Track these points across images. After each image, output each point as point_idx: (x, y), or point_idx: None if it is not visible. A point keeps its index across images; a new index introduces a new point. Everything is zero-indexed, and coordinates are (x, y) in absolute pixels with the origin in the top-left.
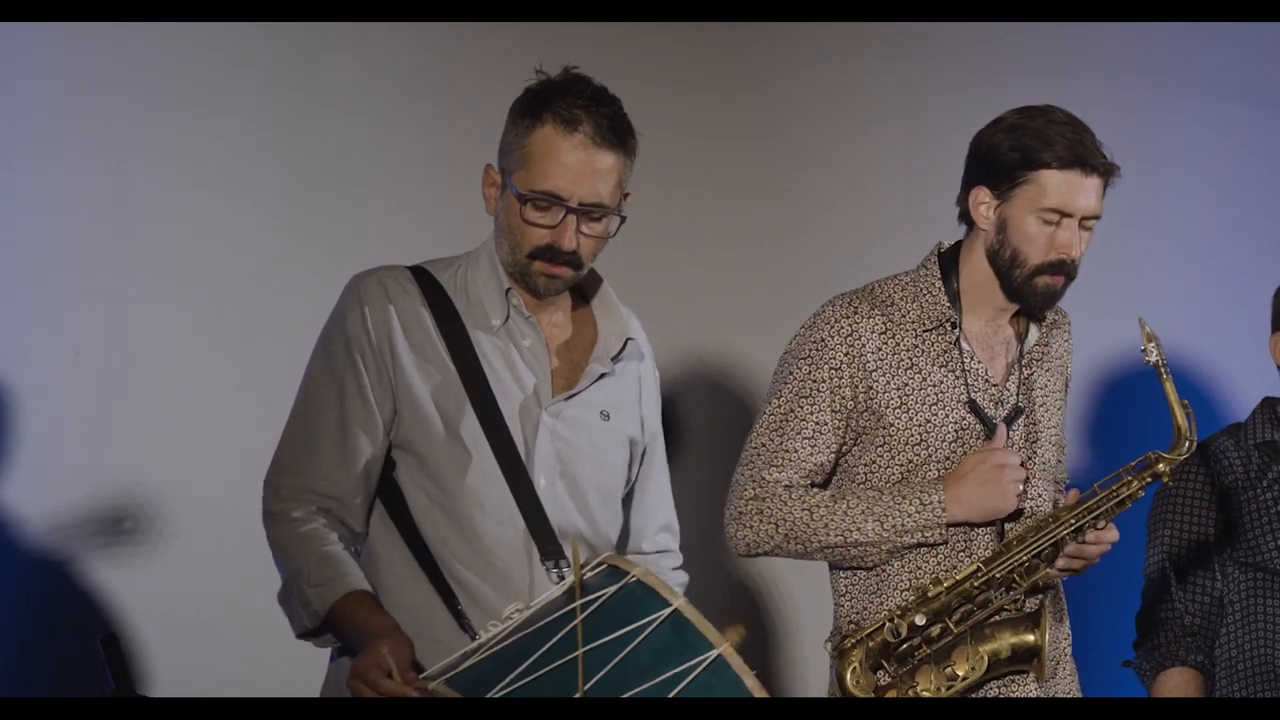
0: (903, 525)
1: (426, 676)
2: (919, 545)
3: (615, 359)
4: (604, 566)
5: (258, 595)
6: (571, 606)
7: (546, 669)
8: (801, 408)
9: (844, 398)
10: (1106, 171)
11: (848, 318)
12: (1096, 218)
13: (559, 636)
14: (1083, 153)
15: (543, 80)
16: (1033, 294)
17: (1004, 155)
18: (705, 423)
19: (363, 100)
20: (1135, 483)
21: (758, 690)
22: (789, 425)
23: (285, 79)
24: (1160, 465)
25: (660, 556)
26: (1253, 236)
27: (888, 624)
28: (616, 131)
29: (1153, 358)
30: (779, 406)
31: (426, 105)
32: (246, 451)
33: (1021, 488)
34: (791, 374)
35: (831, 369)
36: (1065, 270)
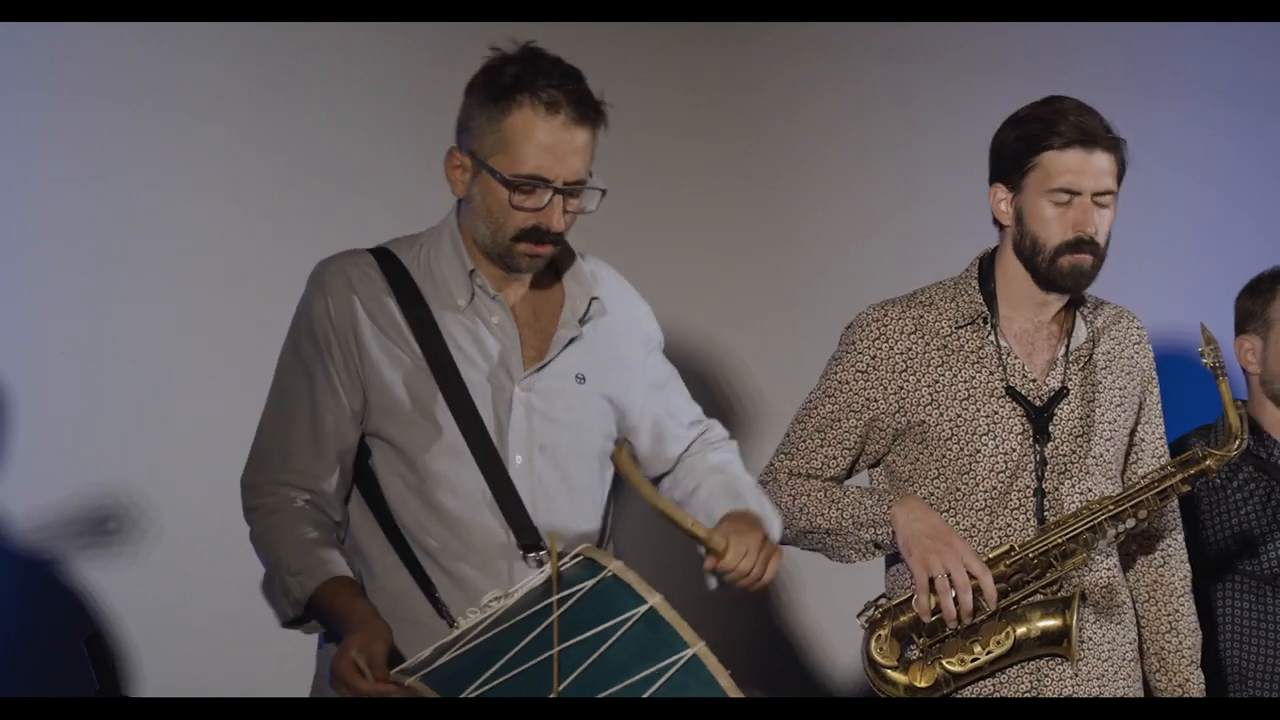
0: (857, 516)
1: (402, 671)
2: (871, 546)
3: (582, 321)
4: (581, 558)
5: (242, 594)
6: (548, 602)
7: (521, 668)
8: (824, 405)
9: (869, 399)
10: (1112, 147)
11: (877, 321)
12: (1110, 193)
13: (534, 634)
14: (1084, 130)
15: (501, 57)
16: (1061, 276)
17: (1010, 147)
18: None
19: (349, 102)
20: (1179, 475)
21: (732, 690)
22: (810, 420)
23: (270, 81)
24: (1208, 462)
25: (704, 444)
26: (1252, 236)
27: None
28: (593, 106)
29: (1208, 360)
30: (808, 401)
31: (421, 107)
32: (231, 451)
33: (953, 597)
34: (825, 372)
35: (858, 371)
36: (1087, 248)
